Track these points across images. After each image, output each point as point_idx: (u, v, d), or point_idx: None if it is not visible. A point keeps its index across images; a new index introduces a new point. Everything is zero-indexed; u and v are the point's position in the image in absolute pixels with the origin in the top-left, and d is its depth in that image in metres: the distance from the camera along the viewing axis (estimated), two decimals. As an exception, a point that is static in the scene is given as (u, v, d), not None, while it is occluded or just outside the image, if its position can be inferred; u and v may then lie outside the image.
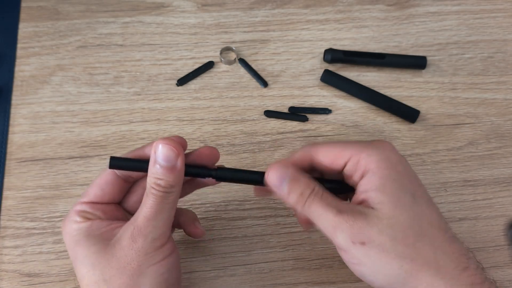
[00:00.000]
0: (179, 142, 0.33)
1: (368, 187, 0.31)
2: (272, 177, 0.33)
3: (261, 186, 0.35)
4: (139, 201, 0.34)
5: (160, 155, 0.31)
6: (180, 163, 0.32)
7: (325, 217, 0.31)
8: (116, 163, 0.34)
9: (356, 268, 0.32)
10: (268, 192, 0.35)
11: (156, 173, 0.32)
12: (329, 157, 0.33)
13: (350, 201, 0.36)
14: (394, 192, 0.30)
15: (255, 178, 0.35)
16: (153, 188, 0.32)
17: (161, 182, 0.31)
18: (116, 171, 0.35)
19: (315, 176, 0.35)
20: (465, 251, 0.31)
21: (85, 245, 0.32)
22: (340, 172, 0.34)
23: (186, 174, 0.34)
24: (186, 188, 0.39)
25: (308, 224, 0.35)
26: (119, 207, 0.37)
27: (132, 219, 0.33)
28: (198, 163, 0.35)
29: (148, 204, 0.32)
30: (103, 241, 0.32)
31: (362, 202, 0.32)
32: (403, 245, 0.29)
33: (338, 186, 0.35)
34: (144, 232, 0.31)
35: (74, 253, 0.33)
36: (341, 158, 0.33)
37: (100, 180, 0.35)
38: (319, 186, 0.32)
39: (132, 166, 0.34)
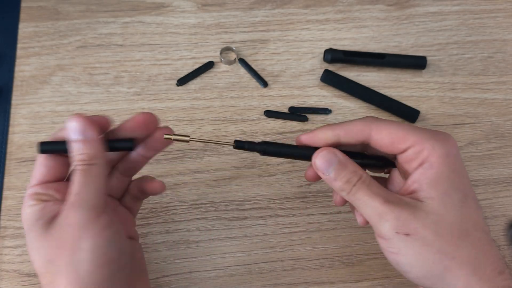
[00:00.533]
0: (96, 120, 0.33)
1: (422, 179, 0.31)
2: (319, 162, 0.33)
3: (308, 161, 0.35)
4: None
5: (72, 131, 0.32)
6: (91, 134, 0.32)
7: (371, 205, 0.31)
8: (47, 147, 0.34)
9: (393, 257, 0.32)
10: (319, 177, 0.35)
11: (75, 149, 0.32)
12: (390, 139, 0.32)
13: (388, 176, 0.37)
14: (447, 190, 0.31)
15: (303, 154, 0.35)
16: (77, 164, 0.32)
17: (82, 156, 0.32)
18: None
19: (355, 150, 0.35)
20: (501, 256, 0.32)
21: (34, 229, 0.32)
22: (395, 154, 0.33)
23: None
24: (130, 202, 0.40)
25: (343, 202, 0.36)
26: None
27: (66, 199, 0.32)
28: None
29: (75, 180, 0.32)
30: (48, 223, 0.32)
31: (412, 192, 0.32)
32: (446, 242, 0.30)
33: (380, 162, 0.35)
34: (75, 206, 0.31)
35: (27, 238, 0.33)
36: (403, 142, 0.32)
37: (42, 158, 0.35)
38: (366, 174, 0.32)
39: (64, 148, 0.34)
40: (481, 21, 0.59)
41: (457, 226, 0.30)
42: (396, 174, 0.36)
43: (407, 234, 0.30)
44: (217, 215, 0.47)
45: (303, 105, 0.53)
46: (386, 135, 0.32)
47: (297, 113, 0.52)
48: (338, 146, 0.34)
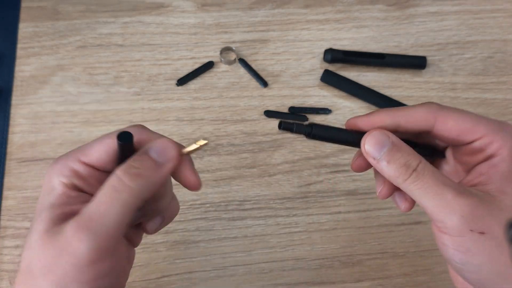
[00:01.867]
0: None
1: (493, 173, 0.29)
2: (370, 143, 0.29)
3: (358, 148, 0.31)
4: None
5: (157, 147, 0.28)
6: (169, 166, 0.28)
7: (439, 195, 0.27)
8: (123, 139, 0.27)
9: (459, 256, 0.28)
10: (369, 165, 0.31)
11: (137, 159, 0.27)
12: (457, 130, 0.29)
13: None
14: None
15: (353, 139, 0.30)
16: (117, 176, 0.26)
17: (135, 171, 0.26)
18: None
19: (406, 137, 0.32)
20: None
21: (43, 217, 0.27)
22: (460, 145, 0.30)
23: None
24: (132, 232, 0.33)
25: (388, 194, 0.32)
26: None
27: (81, 212, 0.26)
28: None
29: (97, 197, 0.26)
30: (51, 221, 0.26)
31: (475, 185, 0.29)
32: None
33: (430, 152, 0.32)
34: (82, 234, 0.25)
35: (36, 214, 0.28)
36: (472, 133, 0.29)
37: (109, 142, 0.28)
38: (424, 160, 0.29)
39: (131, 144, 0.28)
40: (481, 21, 0.59)
41: None
42: (442, 165, 0.33)
43: (482, 233, 0.27)
44: (217, 215, 0.47)
45: (303, 105, 0.53)
46: (453, 126, 0.29)
47: (297, 113, 0.52)
48: (394, 133, 0.31)
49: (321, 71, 0.54)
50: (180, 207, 0.48)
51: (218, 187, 0.48)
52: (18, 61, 0.54)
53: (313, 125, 0.30)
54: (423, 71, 0.55)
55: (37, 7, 0.57)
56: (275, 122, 0.52)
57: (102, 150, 0.28)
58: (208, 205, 0.48)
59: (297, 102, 0.53)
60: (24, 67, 0.54)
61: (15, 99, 0.52)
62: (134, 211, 0.26)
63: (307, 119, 0.52)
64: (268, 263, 0.46)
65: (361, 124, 0.31)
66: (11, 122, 0.51)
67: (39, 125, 0.51)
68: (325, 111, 0.53)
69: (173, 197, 0.33)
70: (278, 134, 0.51)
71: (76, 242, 0.25)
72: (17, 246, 0.45)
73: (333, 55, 0.54)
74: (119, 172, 0.26)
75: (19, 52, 0.54)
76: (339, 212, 0.48)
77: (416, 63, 0.55)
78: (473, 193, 0.28)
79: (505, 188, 0.28)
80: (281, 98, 0.53)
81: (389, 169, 0.28)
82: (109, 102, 0.52)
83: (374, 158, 0.29)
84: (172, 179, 0.31)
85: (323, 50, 0.56)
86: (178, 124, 0.51)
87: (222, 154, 0.50)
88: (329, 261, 0.46)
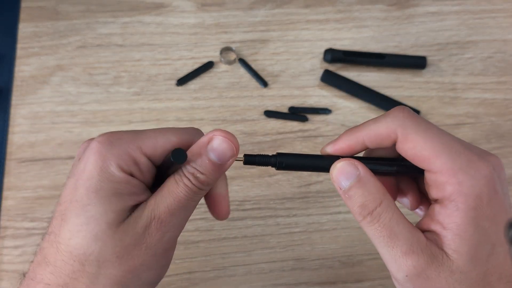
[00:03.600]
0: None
1: (447, 224, 0.26)
2: (336, 173, 0.28)
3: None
4: None
5: (216, 149, 0.27)
6: (230, 163, 0.28)
7: (389, 249, 0.26)
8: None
9: None
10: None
11: (200, 165, 0.27)
12: (414, 153, 0.27)
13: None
14: (474, 242, 0.26)
15: (323, 165, 0.29)
16: (188, 179, 0.26)
17: (202, 177, 0.27)
18: None
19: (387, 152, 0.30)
20: None
21: (108, 207, 0.26)
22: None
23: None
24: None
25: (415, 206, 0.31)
26: None
27: (153, 204, 0.27)
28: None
29: (174, 194, 0.26)
30: (121, 211, 0.26)
31: (432, 231, 0.27)
32: None
33: (407, 169, 0.30)
34: (164, 228, 0.26)
35: (85, 194, 0.26)
36: (428, 164, 0.27)
37: (173, 141, 0.28)
38: (388, 201, 0.27)
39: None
40: (481, 21, 0.59)
41: (481, 282, 0.26)
42: (420, 183, 0.32)
43: None
44: (217, 215, 0.47)
45: (303, 105, 0.53)
46: (410, 147, 0.27)
47: (297, 113, 0.52)
48: (371, 151, 0.30)
49: (321, 71, 0.54)
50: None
51: (218, 187, 0.48)
52: (18, 61, 0.54)
53: (279, 155, 0.29)
54: (423, 71, 0.55)
55: (37, 7, 0.57)
56: (275, 122, 0.52)
57: (164, 147, 0.28)
58: (208, 205, 0.48)
59: (297, 102, 0.53)
60: (24, 67, 0.54)
61: (15, 99, 0.52)
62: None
63: (307, 119, 0.52)
64: (268, 263, 0.46)
65: (330, 150, 0.29)
66: (11, 122, 0.51)
67: (39, 125, 0.51)
68: (325, 111, 0.53)
69: None
70: (278, 134, 0.51)
71: (157, 235, 0.26)
72: (17, 246, 0.45)
73: (333, 55, 0.54)
74: (189, 175, 0.27)
75: (19, 52, 0.54)
76: (339, 212, 0.48)
77: (416, 63, 0.55)
78: (424, 251, 0.26)
79: (459, 247, 0.26)
80: (281, 98, 0.53)
81: (350, 204, 0.27)
82: (109, 102, 0.52)
83: (340, 188, 0.28)
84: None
85: (323, 50, 0.56)
86: (178, 124, 0.51)
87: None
88: (329, 261, 0.46)
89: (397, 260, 0.26)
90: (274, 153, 0.29)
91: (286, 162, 0.29)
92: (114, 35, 0.56)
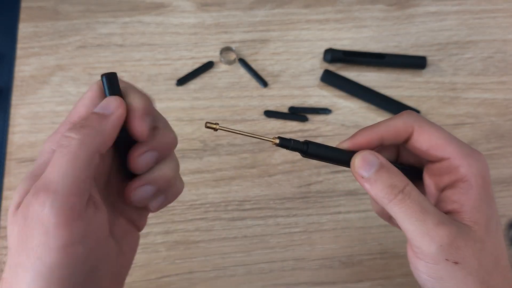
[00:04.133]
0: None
1: (464, 201, 0.29)
2: (359, 162, 0.29)
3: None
4: None
5: (104, 103, 0.28)
6: (117, 114, 0.28)
7: (421, 222, 0.28)
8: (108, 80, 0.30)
9: (430, 282, 0.29)
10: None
11: (84, 118, 0.27)
12: (428, 144, 0.30)
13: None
14: (489, 215, 0.29)
15: (345, 158, 0.31)
16: (68, 136, 0.26)
17: (85, 131, 0.26)
18: None
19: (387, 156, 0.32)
20: None
21: (19, 187, 0.26)
22: (430, 161, 0.31)
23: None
24: (135, 215, 0.31)
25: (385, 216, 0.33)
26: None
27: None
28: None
29: (57, 162, 0.25)
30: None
31: (449, 212, 0.29)
32: (486, 272, 0.28)
33: (407, 173, 0.31)
34: (43, 195, 0.24)
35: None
36: (441, 151, 0.30)
37: (90, 96, 0.29)
38: (411, 183, 0.29)
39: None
40: (481, 21, 0.59)
41: (494, 254, 0.29)
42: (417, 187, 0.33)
43: (456, 262, 0.28)
44: (217, 215, 0.47)
45: (303, 105, 0.53)
46: (426, 139, 0.30)
47: (297, 113, 0.52)
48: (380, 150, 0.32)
49: (321, 71, 0.54)
50: (180, 208, 0.48)
51: (218, 187, 0.48)
52: (18, 61, 0.54)
53: (309, 143, 0.30)
54: (423, 71, 0.55)
55: (37, 7, 0.57)
56: (275, 122, 0.52)
57: (87, 107, 0.28)
58: (208, 205, 0.48)
59: (297, 102, 0.53)
60: (24, 67, 0.54)
61: (15, 99, 0.52)
62: (89, 164, 0.25)
63: (307, 119, 0.52)
64: (268, 263, 0.46)
65: (347, 146, 0.31)
66: (11, 122, 0.51)
67: (39, 125, 0.51)
68: (325, 111, 0.53)
69: (178, 176, 0.32)
70: (278, 134, 0.51)
71: (38, 206, 0.24)
72: (17, 246, 0.45)
73: (333, 55, 0.54)
74: (63, 129, 0.26)
75: (19, 52, 0.54)
76: (339, 212, 0.48)
77: (416, 63, 0.55)
78: (453, 223, 0.28)
79: (477, 219, 0.29)
80: (281, 98, 0.53)
81: (376, 189, 0.29)
82: (109, 102, 0.52)
83: (362, 177, 0.29)
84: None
85: (323, 50, 0.56)
86: (178, 124, 0.51)
87: (222, 154, 0.50)
88: (329, 261, 0.46)
89: (430, 232, 0.28)
90: (303, 140, 0.31)
91: (312, 151, 0.31)
92: (114, 35, 0.56)
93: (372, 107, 0.53)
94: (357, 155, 0.30)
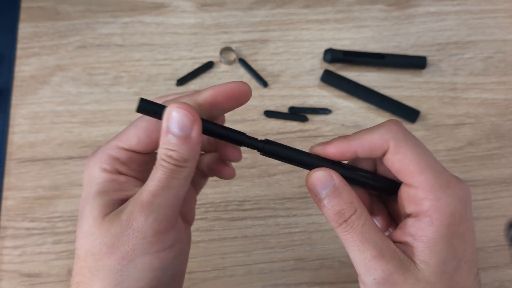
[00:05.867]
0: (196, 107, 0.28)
1: (419, 237, 0.28)
2: (312, 182, 0.29)
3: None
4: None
5: (173, 122, 0.27)
6: (195, 133, 0.27)
7: (361, 253, 0.28)
8: (146, 106, 0.28)
9: None
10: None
11: (168, 143, 0.27)
12: (400, 166, 0.28)
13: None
14: (442, 256, 0.27)
15: (307, 162, 0.30)
16: (163, 160, 0.27)
17: (173, 154, 0.27)
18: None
19: (366, 164, 0.31)
20: None
21: (92, 204, 0.28)
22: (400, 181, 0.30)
23: (223, 138, 0.29)
24: (199, 179, 0.35)
25: None
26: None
27: (137, 193, 0.28)
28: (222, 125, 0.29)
29: (155, 178, 0.27)
30: (110, 206, 0.28)
31: (404, 243, 0.29)
32: None
33: (387, 188, 0.31)
34: (146, 209, 0.27)
35: (82, 206, 0.29)
36: (411, 178, 0.28)
37: (145, 121, 0.29)
38: (361, 209, 0.28)
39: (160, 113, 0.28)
40: (481, 21, 0.59)
41: None
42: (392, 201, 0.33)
43: None
44: (217, 215, 0.47)
45: (303, 105, 0.53)
46: (399, 159, 0.28)
47: (297, 113, 0.52)
48: (355, 160, 0.31)
49: (321, 71, 0.54)
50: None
51: (218, 187, 0.48)
52: (18, 61, 0.54)
53: (267, 142, 0.30)
54: (423, 71, 0.55)
55: (37, 7, 0.57)
56: (275, 122, 0.52)
57: (138, 134, 0.29)
58: (208, 205, 0.48)
59: (297, 102, 0.53)
60: (24, 67, 0.54)
61: (15, 99, 0.52)
62: (187, 181, 0.28)
63: (307, 119, 0.52)
64: (268, 263, 0.46)
65: (320, 152, 0.30)
66: (11, 122, 0.51)
67: (39, 125, 0.51)
68: (325, 111, 0.53)
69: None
70: (278, 134, 0.51)
71: (141, 217, 0.26)
72: (17, 247, 0.45)
73: (333, 55, 0.54)
74: (162, 155, 0.27)
75: (19, 52, 0.54)
76: (339, 212, 0.48)
77: (416, 63, 0.55)
78: (394, 258, 0.27)
79: (428, 259, 0.27)
80: (281, 98, 0.53)
81: (325, 212, 0.29)
82: (109, 102, 0.52)
83: (315, 196, 0.29)
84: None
85: (323, 50, 0.56)
86: (178, 124, 0.51)
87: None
88: (329, 261, 0.46)
89: (367, 264, 0.28)
90: (263, 139, 0.30)
91: (272, 149, 0.30)
92: (114, 35, 0.56)
93: (372, 107, 0.53)
94: (312, 172, 0.30)
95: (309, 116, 0.52)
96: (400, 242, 0.29)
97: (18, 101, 0.52)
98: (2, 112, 0.51)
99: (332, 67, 0.55)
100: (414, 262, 0.28)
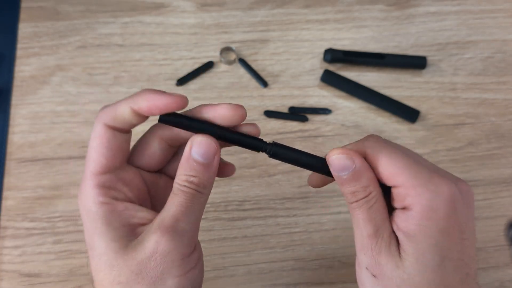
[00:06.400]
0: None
1: (402, 226, 0.29)
2: (337, 162, 0.30)
3: (318, 172, 0.32)
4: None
5: (198, 150, 0.29)
6: (216, 161, 0.29)
7: (360, 231, 0.30)
8: (167, 118, 0.29)
9: (359, 285, 0.32)
10: (324, 181, 0.33)
11: (190, 169, 0.29)
12: (384, 171, 0.30)
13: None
14: (421, 248, 0.28)
15: (315, 162, 0.31)
16: (184, 186, 0.29)
17: (195, 180, 0.29)
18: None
19: None
20: None
21: (104, 238, 0.28)
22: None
23: (236, 143, 0.30)
24: None
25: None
26: (157, 175, 0.33)
27: (158, 219, 0.29)
28: (243, 132, 0.31)
29: (177, 203, 0.28)
30: (125, 236, 0.29)
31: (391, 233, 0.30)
32: None
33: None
34: (172, 234, 0.28)
35: (91, 240, 0.29)
36: (393, 180, 0.29)
37: (94, 145, 0.30)
38: (376, 192, 0.30)
39: (187, 124, 0.29)
40: (481, 21, 0.59)
41: None
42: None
43: (374, 276, 0.30)
44: (217, 215, 0.47)
45: (303, 105, 0.53)
46: (379, 166, 0.30)
47: (297, 113, 0.52)
48: None
49: (321, 71, 0.54)
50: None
51: (218, 187, 0.48)
52: (18, 61, 0.54)
53: (274, 144, 0.31)
54: (423, 71, 0.55)
55: (37, 7, 0.57)
56: (275, 122, 0.52)
57: (101, 152, 0.30)
58: (208, 205, 0.48)
59: (297, 102, 0.53)
60: (24, 67, 0.54)
61: (15, 99, 0.52)
62: (205, 203, 0.31)
63: (307, 119, 0.52)
64: (268, 263, 0.46)
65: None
66: (11, 122, 0.51)
67: (39, 125, 0.51)
68: (325, 111, 0.53)
69: None
70: (278, 134, 0.51)
71: (167, 241, 0.28)
72: (16, 247, 0.45)
73: (333, 55, 0.54)
74: (183, 181, 0.29)
75: (19, 52, 0.54)
76: (339, 212, 0.48)
77: (416, 63, 0.55)
78: (384, 239, 0.29)
79: (408, 249, 0.29)
80: (281, 98, 0.53)
81: (343, 189, 0.30)
82: (109, 102, 0.52)
83: (336, 173, 0.30)
84: None
85: (323, 50, 0.56)
86: (178, 124, 0.51)
87: (222, 154, 0.50)
88: (329, 261, 0.46)
89: (363, 241, 0.30)
90: (271, 141, 0.31)
91: (278, 152, 0.31)
92: (114, 35, 0.56)
93: (372, 107, 0.53)
94: (337, 153, 0.30)
95: (309, 116, 0.52)
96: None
97: (18, 101, 0.52)
98: (2, 112, 0.51)
99: (332, 67, 0.55)
100: (399, 250, 0.29)
